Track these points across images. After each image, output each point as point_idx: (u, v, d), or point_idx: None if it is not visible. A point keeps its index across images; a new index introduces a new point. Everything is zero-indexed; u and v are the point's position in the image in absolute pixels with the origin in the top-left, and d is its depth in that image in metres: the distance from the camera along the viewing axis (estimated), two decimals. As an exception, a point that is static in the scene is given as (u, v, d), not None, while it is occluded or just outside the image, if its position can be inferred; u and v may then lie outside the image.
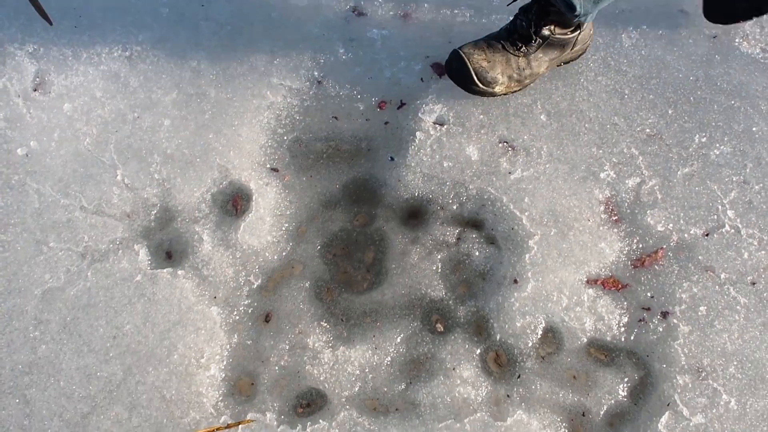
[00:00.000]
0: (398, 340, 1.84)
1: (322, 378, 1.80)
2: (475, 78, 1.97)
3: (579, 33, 2.01)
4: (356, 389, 1.80)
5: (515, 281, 1.87)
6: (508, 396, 1.78)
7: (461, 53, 1.97)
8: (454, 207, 1.96)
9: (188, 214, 1.95)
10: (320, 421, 1.75)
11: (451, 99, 2.05)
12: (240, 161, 2.01)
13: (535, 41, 1.98)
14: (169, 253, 1.93)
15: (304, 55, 2.14)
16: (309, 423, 1.75)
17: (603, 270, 1.90)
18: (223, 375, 1.81)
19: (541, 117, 2.05)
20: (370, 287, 1.92)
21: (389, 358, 1.83)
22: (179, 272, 1.89)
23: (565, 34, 1.99)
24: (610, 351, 1.84)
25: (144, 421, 1.75)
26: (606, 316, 1.86)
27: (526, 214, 1.93)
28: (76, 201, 1.96)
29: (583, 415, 1.79)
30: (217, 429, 1.74)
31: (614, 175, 1.98)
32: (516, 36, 1.99)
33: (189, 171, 2.00)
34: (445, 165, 1.99)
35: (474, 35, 2.06)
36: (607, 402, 1.80)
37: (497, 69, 2.00)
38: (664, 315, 1.86)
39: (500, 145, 2.01)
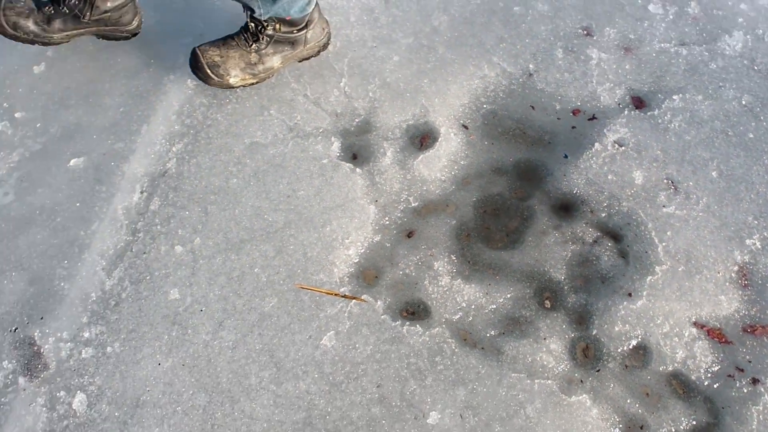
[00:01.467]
0: (508, 296, 2.11)
1: (433, 296, 2.11)
2: (208, 71, 2.30)
3: (306, 31, 2.34)
4: (456, 317, 2.08)
5: (629, 294, 2.08)
6: (581, 381, 2.00)
7: (197, 50, 2.31)
8: (603, 215, 2.22)
9: (383, 132, 2.36)
10: (417, 326, 2.05)
11: (637, 129, 2.32)
12: (441, 109, 2.39)
13: (263, 38, 2.31)
14: (356, 154, 2.34)
15: (527, 49, 2.50)
16: (407, 324, 2.06)
17: (713, 320, 2.07)
18: (357, 260, 2.17)
19: (713, 173, 2.26)
20: (503, 247, 2.21)
21: (494, 306, 2.10)
22: (357, 170, 2.29)
23: (291, 32, 2.33)
24: (689, 388, 2.00)
25: (283, 265, 2.14)
26: (699, 358, 2.02)
27: (664, 245, 2.15)
28: (303, 89, 2.43)
29: (641, 428, 1.96)
30: (335, 294, 2.09)
31: (759, 247, 2.15)
32: (247, 34, 2.32)
33: (397, 100, 2.41)
34: (609, 177, 2.25)
35: (683, 86, 2.32)
36: (668, 427, 1.95)
37: (229, 63, 2.32)
38: (755, 381, 2.00)
39: (665, 181, 2.24)
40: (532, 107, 2.41)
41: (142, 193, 2.28)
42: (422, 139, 2.36)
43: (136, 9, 2.47)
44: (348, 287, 2.12)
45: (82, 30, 2.44)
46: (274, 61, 2.40)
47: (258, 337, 2.02)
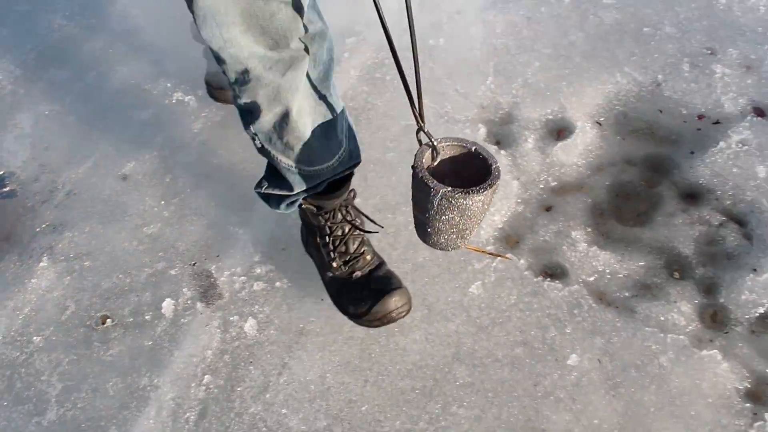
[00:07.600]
0: (640, 264, 2.42)
1: (570, 260, 2.44)
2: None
3: None
4: (592, 279, 2.40)
5: (755, 270, 2.38)
6: (711, 340, 2.27)
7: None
8: (727, 202, 2.54)
9: (524, 123, 2.76)
10: (556, 282, 2.38)
11: (760, 133, 2.66)
12: (577, 107, 2.79)
13: None
14: (499, 141, 2.74)
15: (656, 62, 2.91)
16: (548, 280, 2.39)
17: (836, 298, 2.34)
18: (501, 225, 2.53)
19: (832, 172, 2.58)
20: (634, 225, 2.54)
21: (627, 272, 2.41)
22: (501, 152, 2.68)
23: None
24: (815, 356, 2.25)
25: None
26: (823, 330, 2.28)
27: (787, 230, 2.45)
28: (453, 83, 2.87)
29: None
30: (482, 252, 2.45)
31: None
32: None
33: (537, 98, 2.82)
34: (734, 170, 2.58)
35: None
36: (795, 388, 2.20)
37: None
38: None
39: (788, 177, 2.57)
40: (660, 111, 2.79)
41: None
42: (559, 131, 2.75)
43: None
44: (493, 247, 2.47)
45: None
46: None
47: (411, 283, 2.35)
